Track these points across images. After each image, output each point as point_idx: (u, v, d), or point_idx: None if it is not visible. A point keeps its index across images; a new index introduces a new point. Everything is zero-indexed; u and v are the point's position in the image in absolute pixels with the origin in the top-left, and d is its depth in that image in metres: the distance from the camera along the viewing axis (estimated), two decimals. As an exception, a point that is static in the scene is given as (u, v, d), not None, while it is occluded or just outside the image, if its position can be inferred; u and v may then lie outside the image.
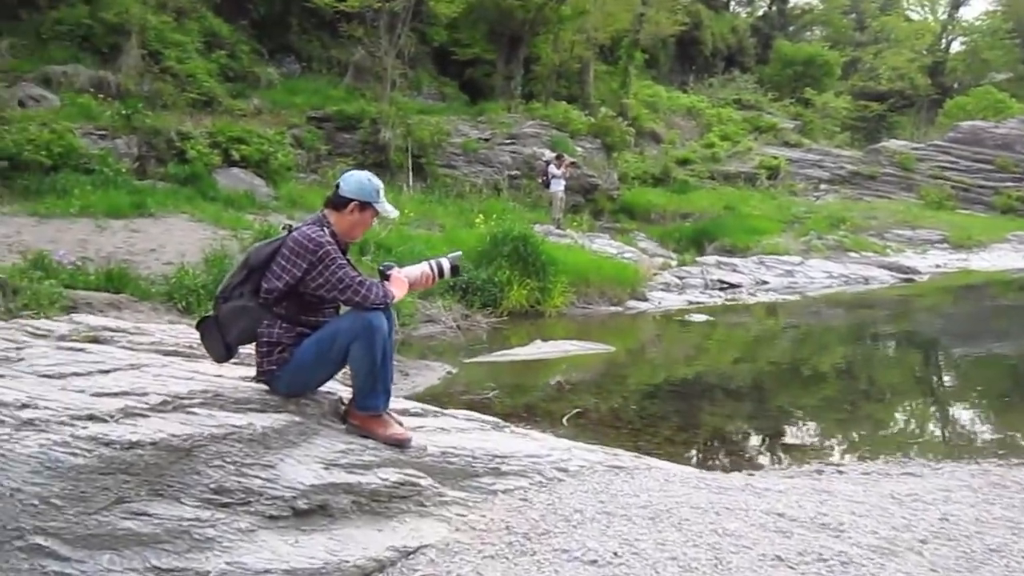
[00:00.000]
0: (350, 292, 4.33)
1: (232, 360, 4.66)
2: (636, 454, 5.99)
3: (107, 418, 3.60)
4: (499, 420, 6.32)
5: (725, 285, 19.91)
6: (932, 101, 59.66)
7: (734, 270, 21.38)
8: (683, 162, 35.26)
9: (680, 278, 19.97)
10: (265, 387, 4.50)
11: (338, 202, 4.51)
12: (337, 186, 4.55)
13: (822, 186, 38.05)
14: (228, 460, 3.76)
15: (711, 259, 22.46)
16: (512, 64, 31.38)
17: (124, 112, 18.71)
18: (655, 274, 19.25)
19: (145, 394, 3.99)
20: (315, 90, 25.79)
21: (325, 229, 4.44)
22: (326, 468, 4.05)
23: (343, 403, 4.75)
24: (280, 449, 4.04)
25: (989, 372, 12.27)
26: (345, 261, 4.41)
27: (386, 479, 4.17)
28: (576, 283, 15.71)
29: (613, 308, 16.04)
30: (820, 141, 44.68)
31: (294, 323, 4.43)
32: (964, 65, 63.72)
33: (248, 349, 4.68)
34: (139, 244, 13.35)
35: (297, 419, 4.32)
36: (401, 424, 4.71)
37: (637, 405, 9.35)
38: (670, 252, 24.13)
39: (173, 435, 3.65)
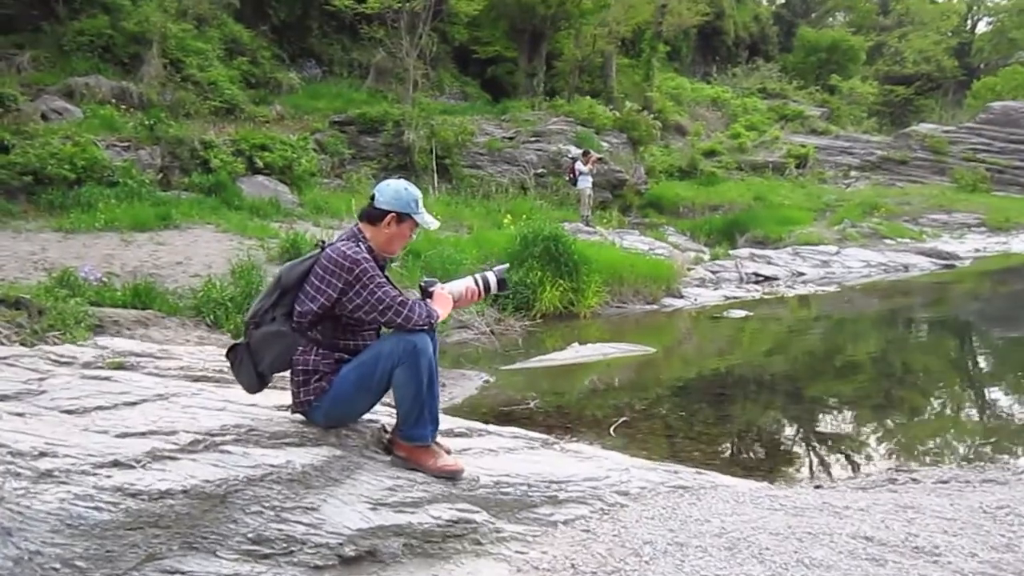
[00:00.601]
0: (391, 313, 3.99)
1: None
2: (696, 469, 5.60)
3: (133, 464, 3.27)
4: (547, 436, 5.99)
5: (761, 278, 19.46)
6: (959, 83, 58.85)
7: (769, 262, 20.92)
8: (710, 154, 34.79)
9: (714, 272, 19.55)
10: (302, 418, 4.17)
11: (373, 215, 4.18)
12: (372, 197, 4.21)
13: (852, 173, 37.44)
14: (267, 505, 3.42)
15: (744, 252, 22.01)
16: (534, 61, 31.04)
17: (147, 122, 18.62)
18: (689, 269, 18.81)
19: (174, 432, 3.67)
20: (337, 94, 25.61)
21: (361, 244, 4.11)
22: (373, 508, 3.70)
23: (386, 431, 4.42)
24: (322, 488, 3.70)
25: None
26: (384, 279, 4.07)
27: (439, 517, 3.83)
28: (610, 282, 15.32)
29: (648, 306, 15.64)
30: (848, 128, 44.05)
31: (331, 348, 4.10)
32: (991, 45, 62.73)
33: (282, 374, 4.35)
34: (165, 257, 13.11)
35: (338, 453, 3.98)
36: (450, 452, 4.37)
37: (684, 410, 8.95)
38: (701, 246, 23.71)
39: (206, 480, 3.31)
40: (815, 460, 7.47)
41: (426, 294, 4.32)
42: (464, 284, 4.50)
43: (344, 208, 17.75)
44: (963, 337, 14.34)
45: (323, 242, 4.19)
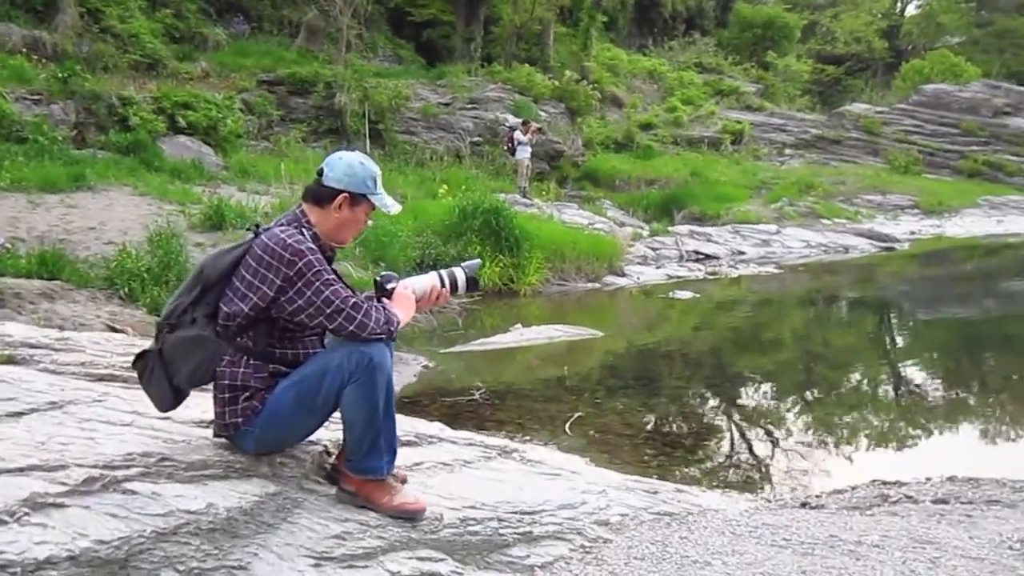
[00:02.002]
0: (341, 318, 3.24)
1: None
2: (676, 487, 4.97)
3: (5, 518, 2.49)
4: (504, 443, 5.31)
5: (701, 256, 19.06)
6: (887, 65, 59.26)
7: (709, 240, 20.51)
8: (646, 127, 34.25)
9: (654, 249, 19.08)
10: (226, 442, 3.42)
11: (321, 194, 3.40)
12: (320, 172, 3.43)
13: (787, 151, 37.29)
14: (182, 568, 2.67)
15: (684, 228, 21.56)
16: (472, 25, 30.08)
17: (60, 75, 17.39)
18: (630, 246, 18.26)
19: (63, 467, 2.88)
20: (266, 52, 24.44)
21: (304, 231, 3.33)
22: (316, 565, 2.96)
23: (329, 454, 3.68)
24: (252, 537, 2.96)
25: None
26: (333, 274, 3.32)
27: (397, 573, 3.11)
28: (551, 259, 14.67)
29: (590, 285, 15.05)
30: (782, 105, 43.87)
31: (265, 359, 3.33)
32: (919, 28, 63.30)
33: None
34: (77, 222, 12.06)
35: (272, 489, 3.23)
36: (405, 481, 3.65)
37: (641, 405, 8.34)
38: (639, 221, 23.22)
39: (101, 541, 2.55)
40: (789, 463, 6.93)
41: (383, 292, 3.57)
42: (429, 281, 3.75)
43: (272, 173, 16.78)
44: (931, 326, 14.04)
45: (257, 225, 3.39)
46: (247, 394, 3.30)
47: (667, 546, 3.90)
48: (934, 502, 5.19)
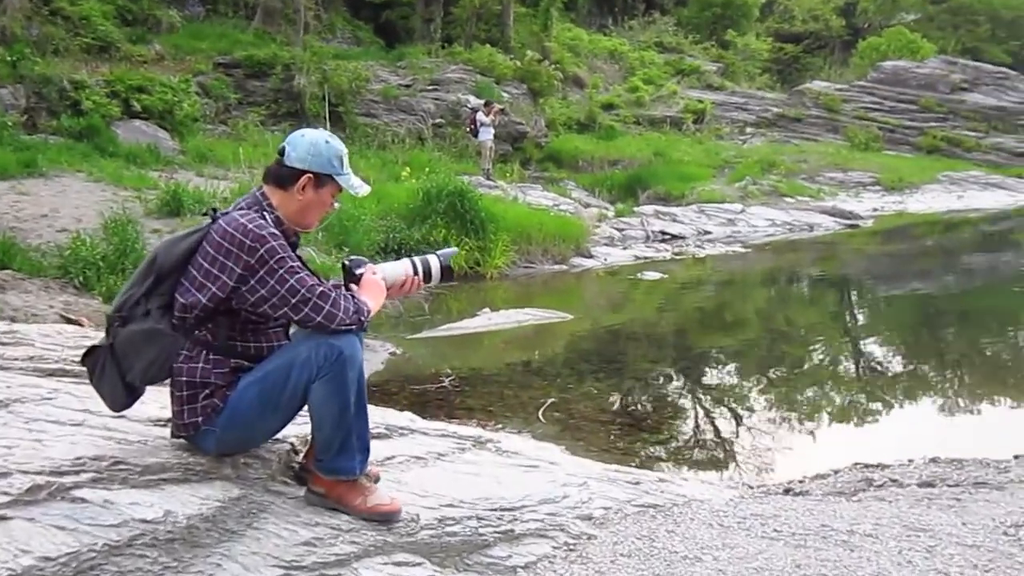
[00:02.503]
0: (308, 308, 3.01)
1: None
2: (658, 476, 4.80)
3: (-62, 536, 2.26)
4: (477, 433, 5.11)
5: (667, 236, 18.91)
6: (844, 43, 59.44)
7: (674, 220, 20.36)
8: (608, 107, 34.02)
9: (620, 230, 18.90)
10: (185, 442, 3.18)
11: (283, 175, 3.15)
12: (281, 152, 3.18)
13: (748, 129, 37.22)
14: (137, 585, 2.44)
15: (649, 209, 21.38)
16: (431, 6, 29.69)
17: (9, 59, 16.99)
18: (595, 227, 18.08)
19: (6, 474, 2.64)
20: (221, 34, 23.95)
21: (266, 215, 3.09)
22: (285, 574, 2.74)
23: (296, 452, 3.46)
24: (215, 546, 2.73)
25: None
26: (298, 261, 3.09)
27: (373, 581, 2.90)
28: (517, 241, 14.45)
29: (558, 267, 14.86)
30: (742, 84, 43.83)
31: (226, 353, 3.09)
32: (875, 6, 63.40)
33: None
34: (28, 209, 11.69)
35: (236, 493, 3.00)
36: (378, 479, 3.43)
37: (614, 389, 8.19)
38: (604, 202, 22.98)
39: (46, 558, 2.32)
40: (767, 446, 6.82)
41: (351, 278, 3.34)
42: (401, 268, 3.50)
43: (231, 157, 16.40)
44: (899, 303, 14.01)
45: (215, 210, 3.14)
46: (207, 391, 3.06)
47: (654, 541, 3.72)
48: (920, 485, 5.07)
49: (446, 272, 3.56)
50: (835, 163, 30.81)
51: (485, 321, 10.46)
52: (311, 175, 3.14)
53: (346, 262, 3.40)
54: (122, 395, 3.10)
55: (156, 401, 3.60)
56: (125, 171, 14.45)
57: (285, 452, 3.41)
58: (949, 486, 5.00)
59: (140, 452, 3.07)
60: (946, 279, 15.86)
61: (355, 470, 3.17)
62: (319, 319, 3.02)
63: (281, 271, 2.99)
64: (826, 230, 21.24)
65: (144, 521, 2.62)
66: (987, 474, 5.25)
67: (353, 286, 3.30)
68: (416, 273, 3.50)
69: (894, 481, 5.20)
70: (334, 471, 3.16)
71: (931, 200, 27.53)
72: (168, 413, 3.30)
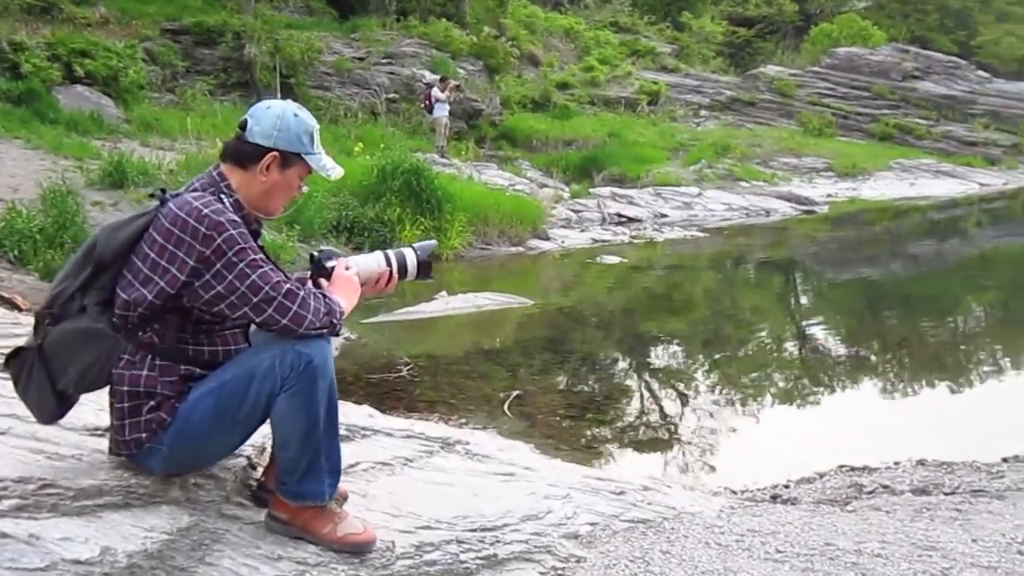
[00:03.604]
0: (271, 309, 2.61)
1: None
2: (641, 484, 4.46)
3: None
4: (445, 435, 4.71)
5: (624, 219, 18.65)
6: (797, 28, 59.65)
7: (631, 202, 20.09)
8: (563, 86, 33.65)
9: (576, 212, 18.63)
10: (128, 459, 2.76)
11: (245, 153, 2.73)
12: (242, 126, 2.76)
13: (702, 112, 37.12)
14: (67, 645, 2.04)
15: (605, 191, 21.08)
16: (386, -24, 28.95)
17: (-59, 19, 16.01)
18: (552, 208, 17.74)
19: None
20: (169, -1, 23.08)
21: (224, 199, 2.67)
22: (245, 623, 2.37)
23: (253, 467, 3.06)
24: (162, 589, 2.34)
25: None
26: (260, 253, 2.68)
27: (346, 626, 2.52)
28: (474, 221, 14.06)
29: (514, 249, 14.50)
30: (697, 66, 43.70)
31: (175, 359, 2.67)
32: (827, -8, 63.85)
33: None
34: (-40, 178, 11.10)
35: (187, 521, 2.60)
36: (346, 498, 3.04)
37: (580, 381, 7.88)
38: (559, 183, 22.65)
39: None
40: (743, 445, 6.54)
41: (321, 272, 2.94)
42: (374, 261, 3.10)
43: (178, 127, 15.78)
44: (870, 292, 13.85)
45: (163, 191, 2.72)
46: (152, 403, 2.64)
47: (648, 564, 3.39)
48: (914, 492, 4.82)
49: (423, 267, 3.17)
50: (789, 148, 30.79)
51: (443, 305, 10.07)
52: (277, 153, 2.74)
53: (315, 254, 3.00)
54: (52, 405, 2.68)
55: (94, 402, 3.18)
56: (66, 139, 13.82)
57: (241, 468, 3.02)
58: (946, 494, 4.76)
59: (74, 471, 2.65)
60: (911, 266, 15.85)
61: (323, 495, 2.78)
62: (285, 321, 2.62)
63: (241, 264, 2.58)
64: (782, 215, 21.13)
65: (77, 562, 2.21)
66: (981, 480, 5.03)
67: (323, 281, 2.90)
68: (390, 267, 3.10)
69: (886, 487, 4.95)
70: (299, 496, 2.76)
71: (884, 187, 27.58)
72: (107, 418, 2.88)
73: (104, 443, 2.92)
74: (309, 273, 2.99)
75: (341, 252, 3.09)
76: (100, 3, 21.24)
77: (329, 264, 2.94)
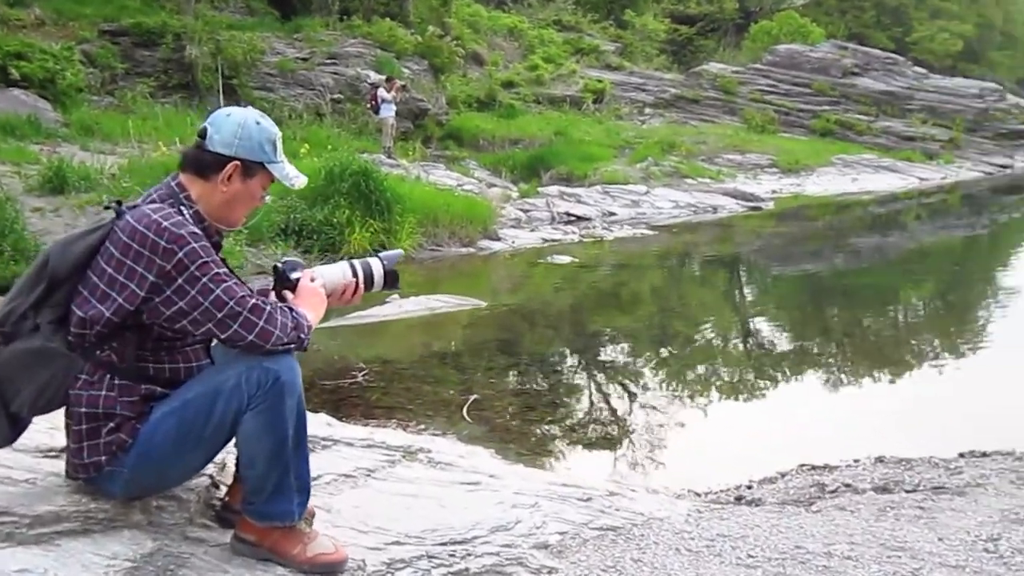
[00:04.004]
0: (237, 325, 2.52)
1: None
2: (607, 489, 4.42)
3: None
4: (407, 443, 4.63)
5: (573, 218, 18.64)
6: (737, 26, 60.27)
7: (579, 201, 20.11)
8: (508, 85, 33.62)
9: (525, 211, 18.57)
10: (86, 483, 2.65)
11: (205, 162, 2.64)
12: (202, 134, 2.66)
13: (647, 110, 37.31)
14: None
15: (553, 189, 21.08)
16: (328, -24, 28.67)
17: None
18: (501, 208, 17.68)
19: None
20: (106, 0, 22.60)
21: (184, 211, 2.58)
22: (215, 654, 2.28)
23: (217, 487, 2.96)
24: (126, 621, 2.24)
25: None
26: (224, 267, 2.59)
27: (319, 652, 2.44)
28: (424, 223, 13.94)
29: (465, 250, 14.41)
30: (640, 64, 43.94)
31: (135, 378, 2.57)
32: (767, -11, 64.57)
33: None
34: None
35: (149, 546, 2.51)
36: (313, 516, 2.95)
37: (539, 383, 7.82)
38: (507, 182, 22.61)
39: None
40: (702, 445, 6.55)
41: (285, 284, 2.85)
42: (339, 272, 3.01)
43: (119, 131, 15.47)
44: (821, 288, 13.98)
45: (119, 203, 2.61)
46: (112, 424, 2.54)
47: (621, 573, 3.35)
48: (876, 491, 4.84)
49: (390, 277, 3.08)
50: (733, 145, 31.06)
51: (396, 309, 9.97)
52: (239, 162, 2.65)
53: (278, 265, 2.90)
54: (5, 428, 2.57)
55: (47, 421, 3.05)
56: (2, 144, 13.51)
57: (204, 488, 2.92)
58: (907, 492, 4.78)
59: (28, 497, 2.55)
60: (854, 260, 16.03)
61: (292, 514, 2.70)
62: (251, 338, 2.53)
63: (204, 279, 2.48)
64: (729, 212, 21.30)
65: (35, 597, 2.11)
66: (941, 476, 5.06)
67: (287, 294, 2.81)
68: (356, 278, 3.01)
69: (848, 486, 4.97)
70: (267, 516, 2.68)
71: (827, 183, 27.95)
72: (62, 437, 2.77)
73: (59, 465, 2.81)
74: (271, 285, 2.90)
75: (304, 263, 2.99)
76: (35, 4, 20.79)
77: (294, 276, 2.85)
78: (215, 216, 2.68)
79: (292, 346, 2.61)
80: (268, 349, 2.55)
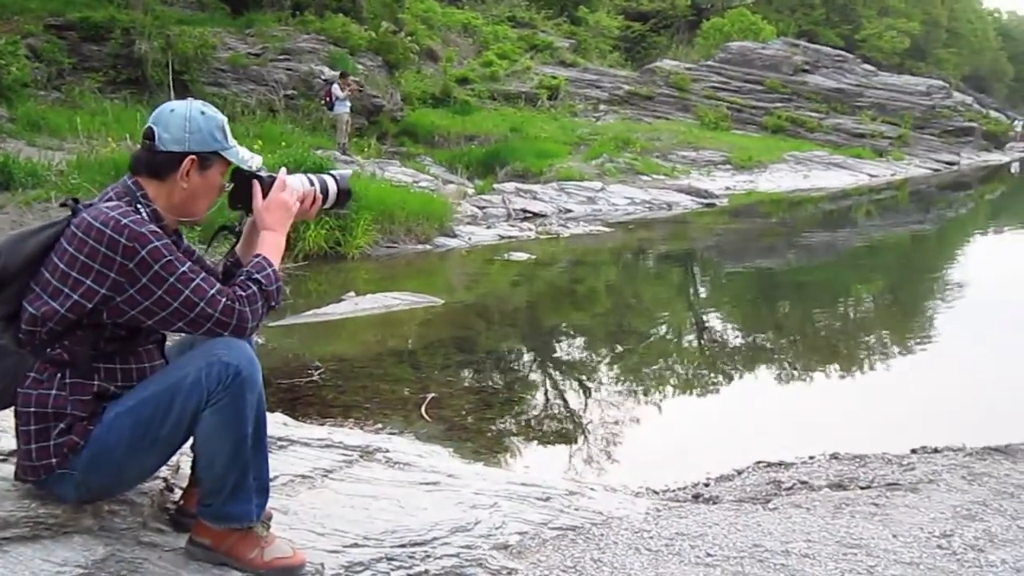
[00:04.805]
0: (211, 324, 2.51)
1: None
2: (566, 488, 4.41)
3: None
4: (364, 443, 4.59)
5: (529, 214, 18.71)
6: (689, 23, 60.69)
7: (535, 198, 20.18)
8: (463, 81, 33.59)
9: (481, 208, 18.58)
10: (36, 487, 2.59)
11: (158, 163, 2.59)
12: (149, 136, 2.59)
13: (601, 107, 37.48)
14: None
15: (510, 186, 21.10)
16: (279, -30, 28.41)
17: None
18: (457, 205, 17.64)
19: None
20: (53, -6, 22.23)
21: (142, 209, 2.53)
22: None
23: (171, 490, 2.91)
24: (78, 630, 2.19)
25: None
26: (187, 263, 2.52)
27: (278, 658, 2.41)
28: (380, 220, 13.87)
29: (421, 247, 14.37)
30: (594, 61, 44.11)
31: (87, 377, 2.51)
32: (718, -14, 65.03)
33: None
34: None
35: (101, 552, 2.46)
36: (271, 518, 2.91)
37: (495, 380, 7.81)
38: (463, 179, 22.57)
39: None
40: (657, 441, 6.57)
41: (244, 186, 2.80)
42: (299, 181, 2.96)
43: (67, 126, 15.21)
44: (789, 288, 14.09)
45: (75, 200, 2.56)
46: (62, 425, 2.48)
47: (581, 573, 3.34)
48: (831, 487, 4.87)
49: (343, 195, 3.08)
50: (687, 141, 31.30)
51: (352, 306, 9.91)
52: (194, 156, 2.61)
53: (240, 174, 2.83)
54: (-48, 431, 2.51)
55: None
56: (-55, 141, 13.21)
57: (157, 492, 2.86)
58: (862, 488, 4.82)
59: (-25, 501, 2.48)
60: (806, 256, 16.20)
61: (251, 515, 2.66)
62: (227, 333, 2.54)
63: (171, 279, 2.45)
64: (684, 208, 21.45)
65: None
66: (894, 472, 5.11)
67: (257, 199, 2.79)
68: (314, 187, 2.99)
69: (804, 483, 5.00)
70: (224, 518, 2.63)
71: (779, 179, 28.28)
72: (8, 440, 2.71)
73: (5, 469, 2.75)
74: (228, 192, 2.82)
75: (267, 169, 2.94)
76: (-22, -3, 20.40)
77: (269, 176, 2.84)
78: (178, 211, 2.66)
79: (274, 307, 2.65)
80: (249, 330, 2.57)
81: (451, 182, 21.14)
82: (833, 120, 38.18)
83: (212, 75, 21.72)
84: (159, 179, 2.61)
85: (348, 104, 20.69)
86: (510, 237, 16.00)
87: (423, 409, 6.57)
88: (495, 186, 21.03)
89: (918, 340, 9.76)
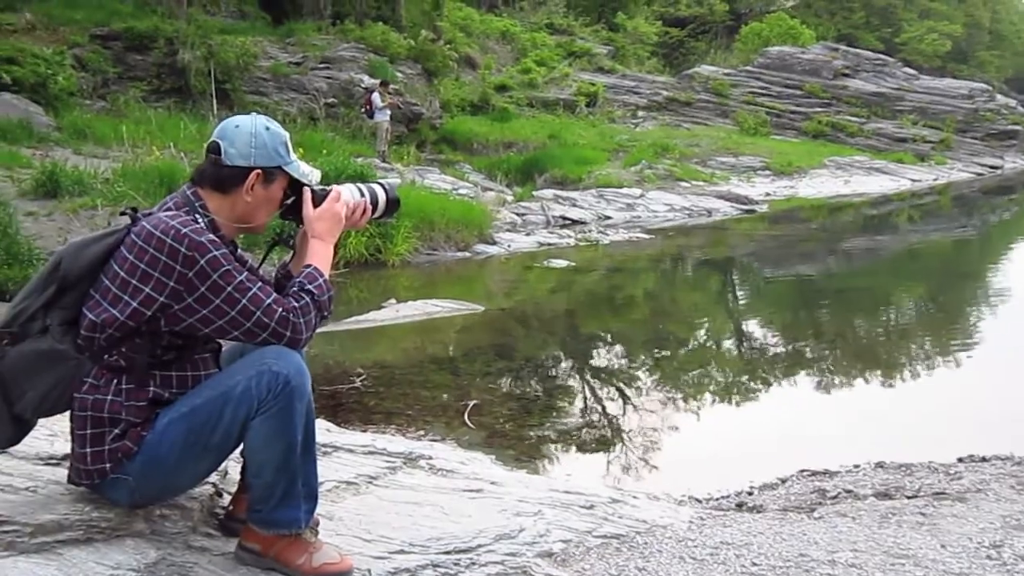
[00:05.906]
0: (267, 334, 2.56)
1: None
2: (609, 496, 4.41)
3: None
4: (407, 449, 4.62)
5: (568, 221, 18.69)
6: (727, 28, 60.41)
7: (574, 205, 20.16)
8: (501, 88, 33.65)
9: (520, 215, 18.57)
10: (89, 490, 2.64)
11: (224, 177, 2.65)
12: (215, 149, 2.65)
13: (640, 113, 37.37)
14: None
15: (548, 193, 21.12)
16: (320, -21, 28.69)
17: None
18: (496, 212, 17.68)
19: None
20: (98, 5, 22.69)
21: (199, 219, 2.58)
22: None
23: (220, 495, 2.95)
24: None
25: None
26: (244, 272, 2.57)
27: (327, 664, 2.43)
28: (420, 227, 13.94)
29: (461, 254, 14.42)
30: (632, 67, 44.00)
31: (143, 383, 2.56)
32: (756, -8, 64.69)
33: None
34: None
35: (152, 555, 2.50)
36: (317, 525, 2.93)
37: (536, 389, 7.81)
38: (502, 186, 22.62)
39: None
40: (699, 449, 6.53)
41: (293, 202, 2.84)
42: (349, 193, 2.97)
43: (112, 135, 15.43)
44: (830, 294, 13.99)
45: (135, 209, 2.61)
46: (116, 430, 2.52)
47: (626, 581, 3.34)
48: (877, 496, 4.83)
49: (391, 204, 3.08)
50: (726, 147, 31.14)
51: (392, 313, 9.97)
52: (259, 171, 2.67)
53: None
54: (8, 430, 2.57)
55: (45, 427, 3.05)
56: (-6, 148, 13.48)
57: (207, 496, 2.90)
58: (908, 498, 4.77)
59: (30, 505, 2.53)
60: (849, 263, 16.06)
61: (299, 522, 2.68)
62: (282, 344, 2.59)
63: (229, 288, 2.50)
64: (724, 215, 21.33)
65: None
66: (940, 482, 5.06)
67: (307, 209, 2.82)
68: (364, 198, 3.01)
69: (849, 492, 4.96)
70: (273, 524, 2.66)
71: (820, 185, 28.04)
72: (62, 444, 2.76)
73: (60, 472, 2.80)
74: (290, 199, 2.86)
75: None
76: (26, 9, 20.77)
77: (324, 191, 2.87)
78: (238, 222, 2.72)
79: (326, 316, 2.72)
80: (303, 342, 2.63)
81: (490, 189, 21.19)
82: (874, 124, 37.77)
83: (254, 84, 21.96)
84: (222, 192, 2.66)
85: (388, 112, 20.82)
86: (549, 244, 16.00)
87: (466, 416, 6.58)
88: (534, 193, 21.06)
89: (962, 347, 9.63)
